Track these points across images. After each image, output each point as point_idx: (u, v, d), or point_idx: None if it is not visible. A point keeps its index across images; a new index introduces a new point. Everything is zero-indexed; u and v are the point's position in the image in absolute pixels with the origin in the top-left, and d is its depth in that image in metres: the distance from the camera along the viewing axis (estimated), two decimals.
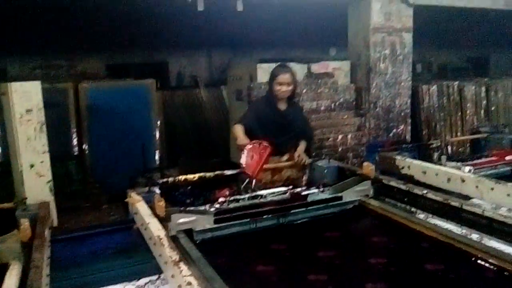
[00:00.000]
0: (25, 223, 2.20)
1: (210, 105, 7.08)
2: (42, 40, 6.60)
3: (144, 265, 2.24)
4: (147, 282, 2.12)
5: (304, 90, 5.25)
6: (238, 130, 3.41)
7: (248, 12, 5.11)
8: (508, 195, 2.79)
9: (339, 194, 3.02)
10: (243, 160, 3.14)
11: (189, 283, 1.69)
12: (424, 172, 3.37)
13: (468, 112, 6.70)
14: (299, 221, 2.87)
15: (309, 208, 2.92)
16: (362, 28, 5.59)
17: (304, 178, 3.51)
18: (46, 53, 7.08)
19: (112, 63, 7.65)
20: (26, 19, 6.00)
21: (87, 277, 2.18)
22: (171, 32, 7.14)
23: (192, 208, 2.70)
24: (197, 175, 3.01)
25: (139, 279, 2.14)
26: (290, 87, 3.55)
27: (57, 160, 3.90)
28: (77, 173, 5.17)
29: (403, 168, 3.56)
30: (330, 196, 3.01)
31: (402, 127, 5.82)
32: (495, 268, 2.13)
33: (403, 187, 2.98)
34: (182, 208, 2.59)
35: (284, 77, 3.51)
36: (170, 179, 3.01)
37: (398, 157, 3.66)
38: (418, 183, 3.24)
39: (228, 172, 3.21)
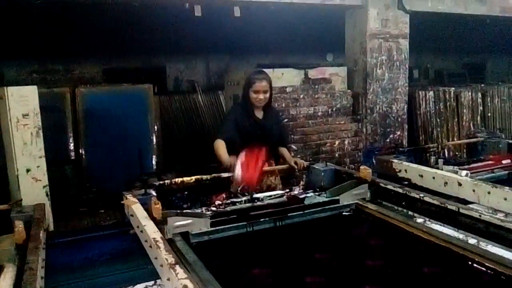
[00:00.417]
0: (19, 225, 2.19)
1: (208, 110, 7.08)
2: (39, 45, 6.59)
3: (141, 271, 2.23)
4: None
5: (301, 96, 5.26)
6: (220, 148, 3.22)
7: (246, 18, 5.13)
8: (505, 199, 2.80)
9: (336, 198, 3.02)
10: (238, 173, 3.02)
11: (185, 286, 1.68)
12: (421, 176, 3.38)
13: (464, 118, 6.73)
14: (296, 224, 2.86)
15: (306, 211, 2.92)
16: (359, 34, 5.62)
17: (302, 182, 3.50)
18: (43, 58, 7.07)
19: (109, 67, 7.65)
20: (23, 23, 6.00)
21: (83, 282, 2.17)
22: (168, 37, 7.15)
23: (188, 211, 2.70)
24: (194, 178, 3.00)
25: (135, 284, 2.12)
26: (267, 95, 3.39)
27: (53, 165, 3.90)
28: (73, 178, 5.16)
29: (400, 171, 3.57)
30: (327, 199, 3.01)
31: (399, 132, 5.84)
32: (492, 272, 2.13)
33: (400, 190, 2.98)
34: (178, 211, 2.58)
35: (261, 84, 3.34)
36: (167, 181, 3.00)
37: (395, 161, 3.67)
38: (415, 187, 3.25)
39: (225, 175, 3.20)
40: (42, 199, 3.31)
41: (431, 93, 6.53)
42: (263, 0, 4.92)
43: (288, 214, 2.85)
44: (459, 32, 8.92)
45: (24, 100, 3.43)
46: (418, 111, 6.43)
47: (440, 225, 2.65)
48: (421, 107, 6.44)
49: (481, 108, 6.90)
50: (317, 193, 3.10)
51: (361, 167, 3.20)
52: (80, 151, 5.47)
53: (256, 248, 2.59)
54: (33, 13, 5.56)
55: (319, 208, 2.96)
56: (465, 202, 2.95)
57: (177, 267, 1.80)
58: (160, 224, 2.37)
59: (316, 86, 5.39)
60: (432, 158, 4.27)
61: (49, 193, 3.49)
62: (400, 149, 4.36)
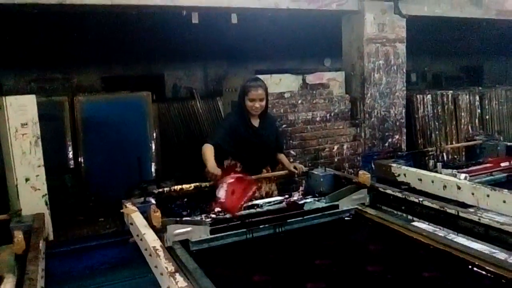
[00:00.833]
0: (19, 235, 2.19)
1: (206, 117, 7.09)
2: (37, 53, 6.61)
3: (141, 279, 2.23)
4: None
5: (300, 101, 5.27)
6: (207, 153, 3.11)
7: (243, 24, 5.14)
8: (504, 201, 2.80)
9: (336, 203, 3.02)
10: (222, 194, 2.82)
11: None
12: (420, 180, 3.38)
13: (462, 121, 6.74)
14: (295, 230, 2.86)
15: (305, 217, 2.92)
16: (356, 39, 5.64)
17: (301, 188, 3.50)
18: (42, 66, 7.08)
19: (107, 75, 7.66)
20: (21, 32, 6.01)
21: None
22: (166, 44, 7.17)
23: (188, 218, 2.69)
24: (193, 185, 3.00)
25: None
26: (263, 103, 3.33)
27: (52, 173, 3.89)
28: (72, 186, 5.15)
29: (399, 175, 3.57)
30: (327, 205, 3.01)
31: (397, 136, 5.84)
32: (492, 275, 2.13)
33: (399, 194, 2.99)
34: (178, 219, 2.58)
35: (257, 93, 3.28)
36: (166, 189, 3.00)
37: (394, 165, 3.67)
38: (414, 191, 3.26)
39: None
40: (42, 208, 3.31)
41: (429, 96, 6.54)
42: (259, 7, 4.93)
43: (288, 220, 2.85)
44: (456, 36, 8.96)
45: (23, 109, 3.44)
46: (416, 115, 6.43)
47: (440, 228, 2.65)
48: (419, 110, 6.45)
49: (479, 111, 6.91)
50: (316, 199, 3.11)
51: (360, 172, 3.21)
52: (79, 160, 5.46)
53: (256, 255, 2.59)
54: (32, 21, 5.58)
55: (319, 214, 2.96)
56: (464, 205, 2.95)
57: (177, 275, 1.80)
58: (160, 232, 2.36)
59: (314, 91, 5.41)
60: (431, 162, 4.27)
61: (48, 202, 3.48)
62: (399, 153, 4.36)
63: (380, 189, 3.11)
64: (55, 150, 5.19)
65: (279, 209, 2.95)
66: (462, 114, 6.74)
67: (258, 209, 2.93)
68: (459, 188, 3.10)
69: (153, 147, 5.88)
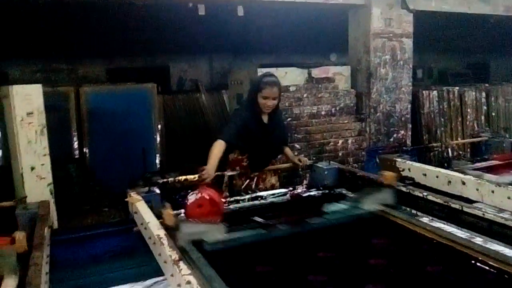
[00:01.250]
0: (20, 236, 2.13)
1: (211, 110, 7.09)
2: (43, 44, 6.62)
3: (145, 267, 2.25)
4: (153, 283, 2.12)
5: (305, 95, 5.26)
6: (215, 153, 3.00)
7: (249, 17, 5.13)
8: (509, 197, 2.79)
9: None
10: (191, 198, 2.68)
11: (189, 282, 1.68)
12: (425, 175, 3.37)
13: (468, 117, 6.71)
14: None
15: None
16: (363, 33, 5.61)
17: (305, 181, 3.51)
18: (47, 57, 7.10)
19: (112, 67, 7.67)
20: (27, 23, 6.02)
21: (87, 279, 2.19)
22: (172, 36, 7.16)
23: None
24: (197, 176, 2.99)
25: (138, 281, 2.14)
26: (275, 101, 3.24)
27: (57, 163, 3.90)
28: (77, 176, 5.16)
29: (403, 170, 3.56)
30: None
31: (402, 132, 5.83)
32: (495, 271, 2.12)
33: (403, 189, 2.98)
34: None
35: (271, 91, 3.17)
36: (170, 179, 3.01)
37: (399, 160, 3.66)
38: (418, 186, 3.24)
39: (228, 173, 3.20)
40: (47, 197, 3.31)
41: (435, 92, 6.51)
42: None
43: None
44: (463, 32, 8.90)
45: (29, 98, 3.44)
46: (422, 111, 6.41)
47: (444, 223, 2.65)
48: (425, 106, 6.43)
49: (485, 107, 6.88)
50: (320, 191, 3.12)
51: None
52: (84, 150, 5.48)
53: (262, 247, 2.58)
54: (38, 12, 5.58)
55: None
56: (468, 201, 2.94)
57: (181, 263, 1.80)
58: (172, 230, 2.26)
59: (320, 85, 5.39)
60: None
61: (53, 191, 3.49)
62: (404, 148, 4.35)
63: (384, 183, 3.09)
64: (60, 140, 5.20)
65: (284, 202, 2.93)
66: (468, 110, 6.71)
67: (262, 201, 2.94)
68: (463, 183, 3.08)
69: (158, 138, 5.90)
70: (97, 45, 6.98)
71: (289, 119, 5.06)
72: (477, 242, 2.35)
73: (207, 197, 2.66)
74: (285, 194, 3.10)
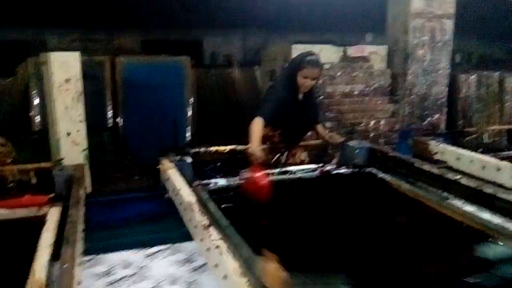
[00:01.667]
0: None
1: (243, 85, 7.07)
2: (82, 14, 6.71)
3: (173, 232, 2.31)
4: (174, 249, 2.18)
5: (339, 73, 5.18)
6: (257, 132, 2.97)
7: None
8: None
9: None
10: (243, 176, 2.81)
11: (218, 246, 1.72)
12: (458, 159, 3.30)
13: (507, 104, 6.48)
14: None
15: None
16: (402, 12, 5.45)
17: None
18: (85, 27, 7.20)
19: (147, 39, 7.73)
20: None
21: (119, 240, 2.26)
22: (207, 11, 7.15)
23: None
24: (228, 147, 3.03)
25: (167, 244, 2.20)
26: (314, 82, 3.23)
27: (91, 131, 3.99)
28: (110, 144, 5.28)
29: (436, 153, 3.50)
30: None
31: (437, 115, 5.68)
32: None
33: (435, 171, 2.93)
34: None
35: (313, 71, 3.16)
36: (202, 149, 3.04)
37: (432, 142, 3.60)
38: (451, 170, 3.18)
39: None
40: (81, 162, 3.41)
41: (474, 77, 6.30)
42: None
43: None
44: (506, 17, 8.53)
45: (67, 65, 3.52)
46: (459, 95, 6.22)
47: (476, 207, 2.59)
48: (462, 91, 6.23)
49: None
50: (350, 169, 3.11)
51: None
52: (117, 119, 5.59)
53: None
54: None
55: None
56: (503, 187, 2.87)
57: (211, 229, 1.84)
58: None
59: (354, 64, 5.30)
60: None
61: (88, 157, 3.59)
62: (438, 132, 4.26)
63: (415, 164, 3.04)
64: (95, 108, 5.29)
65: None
66: (507, 97, 6.47)
67: (291, 176, 2.95)
68: (498, 169, 3.01)
69: (189, 112, 5.94)
70: (133, 16, 7.04)
71: (321, 97, 5.00)
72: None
73: (257, 179, 2.73)
74: (314, 170, 3.10)
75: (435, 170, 2.95)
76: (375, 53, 5.50)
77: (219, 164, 3.36)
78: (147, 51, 7.35)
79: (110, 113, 5.58)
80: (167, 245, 2.17)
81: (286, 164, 3.25)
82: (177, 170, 2.59)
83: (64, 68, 3.51)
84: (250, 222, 2.51)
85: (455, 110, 6.20)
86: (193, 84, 6.13)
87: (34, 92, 5.26)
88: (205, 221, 1.90)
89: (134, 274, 2.06)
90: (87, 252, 2.08)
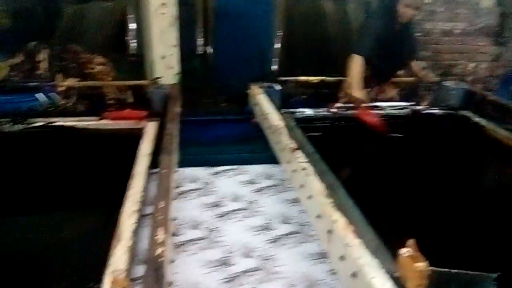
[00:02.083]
0: None
1: (333, 18, 6.81)
2: None
3: (259, 154, 2.40)
4: (258, 169, 2.28)
5: (440, 9, 4.81)
6: (356, 71, 2.91)
7: None
8: None
9: None
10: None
11: (304, 169, 1.76)
12: None
13: None
14: None
15: None
16: None
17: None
18: None
19: None
20: None
21: (209, 156, 2.40)
22: None
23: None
24: (318, 78, 3.00)
25: (252, 164, 2.29)
26: (416, 12, 3.06)
27: (183, 56, 4.12)
28: (200, 71, 5.43)
29: None
30: None
31: None
32: None
33: None
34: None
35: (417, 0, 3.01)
36: (291, 78, 3.05)
37: None
38: None
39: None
40: None
41: None
42: None
43: None
44: None
45: None
46: None
47: None
48: None
49: None
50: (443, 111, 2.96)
51: None
52: (207, 47, 5.69)
53: None
54: None
55: None
56: None
57: (298, 152, 1.88)
58: None
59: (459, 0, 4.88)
60: None
61: (180, 81, 3.73)
62: None
63: None
64: (187, 35, 5.42)
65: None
66: None
67: (380, 111, 2.88)
68: None
69: (277, 43, 5.88)
70: None
71: (418, 34, 4.70)
72: None
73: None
74: (404, 108, 2.99)
75: None
76: None
77: (304, 96, 3.36)
78: None
79: (200, 41, 5.68)
80: (253, 165, 2.28)
81: (375, 99, 3.16)
82: (266, 96, 2.63)
83: None
84: (333, 152, 2.51)
85: None
86: (282, 15, 6.01)
87: (131, 16, 5.48)
88: (292, 144, 1.94)
89: (201, 188, 2.19)
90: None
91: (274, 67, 5.92)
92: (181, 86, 3.72)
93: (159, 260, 1.18)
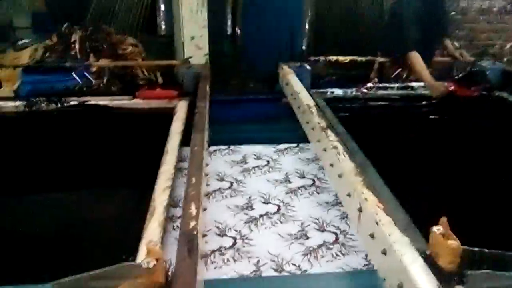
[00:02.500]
0: None
1: (367, 3, 6.65)
2: None
3: (288, 133, 2.41)
4: (286, 148, 2.29)
5: None
6: (423, 66, 2.88)
7: None
8: None
9: None
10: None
11: (335, 147, 1.76)
12: None
13: None
14: None
15: None
16: None
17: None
18: None
19: None
20: None
21: (239, 134, 2.42)
22: None
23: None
24: (348, 58, 2.97)
25: (280, 144, 2.31)
26: None
27: (212, 37, 4.12)
28: (228, 52, 5.43)
29: None
30: None
31: None
32: None
33: None
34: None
35: None
36: (322, 58, 3.02)
37: None
38: None
39: (380, 59, 3.10)
40: None
41: None
42: None
43: None
44: None
45: None
46: None
47: None
48: None
49: None
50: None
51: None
52: (236, 29, 5.67)
53: None
54: None
55: None
56: None
57: (328, 131, 1.88)
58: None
59: None
60: None
61: (209, 62, 3.74)
62: None
63: None
64: (215, 16, 5.41)
65: None
66: None
67: (411, 91, 2.83)
68: None
69: (307, 25, 5.80)
70: None
71: (453, 12, 4.56)
72: None
73: None
74: None
75: None
76: None
77: (334, 77, 3.32)
78: None
79: (229, 21, 5.66)
80: (281, 145, 2.29)
81: (407, 79, 3.10)
82: (296, 76, 2.62)
83: None
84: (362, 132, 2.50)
85: None
86: None
87: None
88: (323, 123, 1.94)
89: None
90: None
91: (304, 46, 5.87)
92: (211, 67, 3.76)
93: (193, 233, 1.21)
